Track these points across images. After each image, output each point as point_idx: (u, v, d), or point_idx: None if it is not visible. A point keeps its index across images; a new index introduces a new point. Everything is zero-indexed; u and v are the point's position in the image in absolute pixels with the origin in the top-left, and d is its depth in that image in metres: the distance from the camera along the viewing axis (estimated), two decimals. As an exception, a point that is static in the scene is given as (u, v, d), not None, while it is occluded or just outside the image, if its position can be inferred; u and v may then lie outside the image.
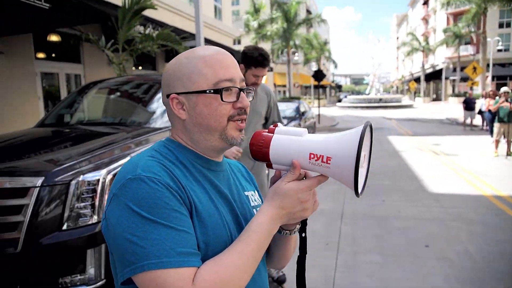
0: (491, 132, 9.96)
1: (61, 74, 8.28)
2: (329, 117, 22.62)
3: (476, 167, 7.65)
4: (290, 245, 0.99)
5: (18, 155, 2.86)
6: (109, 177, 2.45)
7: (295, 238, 0.99)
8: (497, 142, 8.76)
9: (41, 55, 7.83)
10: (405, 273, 3.24)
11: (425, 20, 54.69)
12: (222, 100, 0.83)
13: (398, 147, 10.55)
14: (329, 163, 0.75)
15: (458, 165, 7.92)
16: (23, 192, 2.31)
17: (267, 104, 2.86)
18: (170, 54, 8.31)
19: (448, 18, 41.96)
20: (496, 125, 8.76)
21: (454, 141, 11.64)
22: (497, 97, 9.51)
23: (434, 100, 48.88)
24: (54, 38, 7.52)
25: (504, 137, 8.61)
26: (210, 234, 0.78)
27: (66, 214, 2.32)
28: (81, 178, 2.38)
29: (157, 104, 3.62)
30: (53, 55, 8.25)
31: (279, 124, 0.87)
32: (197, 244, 0.75)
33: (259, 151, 0.84)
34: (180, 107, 0.86)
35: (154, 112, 3.65)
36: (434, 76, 46.26)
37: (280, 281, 3.01)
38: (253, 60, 2.49)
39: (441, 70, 43.30)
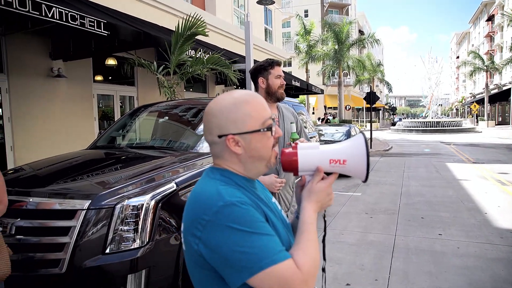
0: None
1: (115, 96, 8.78)
2: (382, 141, 21.63)
3: (549, 200, 6.88)
4: None
5: (69, 177, 2.98)
6: (153, 202, 2.46)
7: None
8: None
9: (98, 77, 8.36)
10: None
11: (490, 37, 51.80)
12: (272, 135, 1.06)
13: (458, 175, 9.82)
14: (345, 164, 1.06)
15: (527, 197, 7.19)
16: (71, 214, 2.39)
17: (295, 125, 2.78)
18: (220, 77, 8.48)
19: (516, 35, 39.33)
20: None
21: (523, 170, 10.65)
22: None
23: (499, 123, 45.56)
24: (111, 61, 8.01)
25: None
26: (280, 234, 1.00)
27: (109, 238, 2.35)
28: (125, 202, 2.41)
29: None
30: (110, 77, 8.79)
31: (298, 142, 1.16)
32: None
33: (289, 164, 1.09)
34: (235, 144, 1.02)
35: (201, 137, 3.67)
36: (500, 97, 43.16)
37: None
38: (266, 64, 2.53)
39: (509, 91, 40.30)
